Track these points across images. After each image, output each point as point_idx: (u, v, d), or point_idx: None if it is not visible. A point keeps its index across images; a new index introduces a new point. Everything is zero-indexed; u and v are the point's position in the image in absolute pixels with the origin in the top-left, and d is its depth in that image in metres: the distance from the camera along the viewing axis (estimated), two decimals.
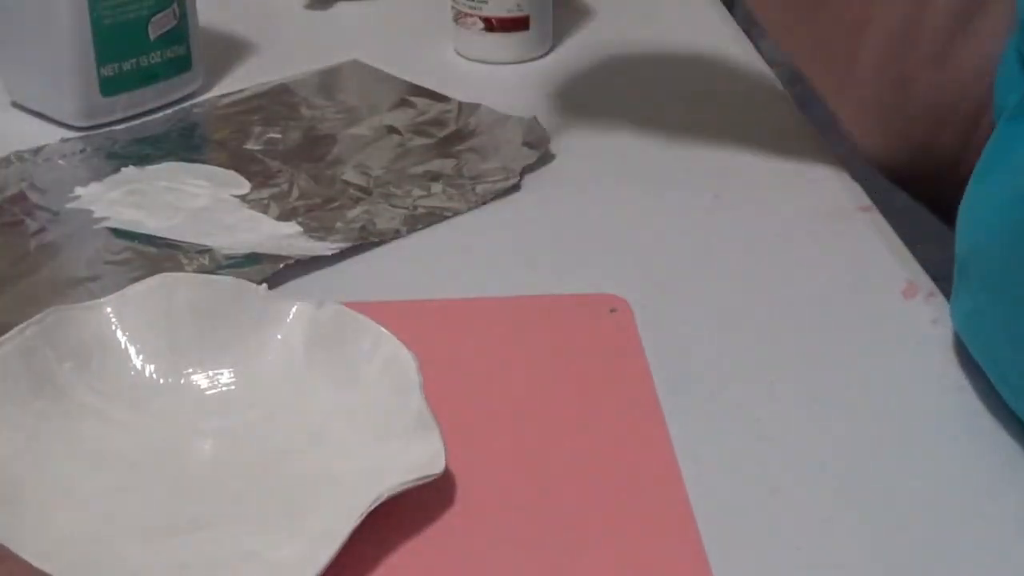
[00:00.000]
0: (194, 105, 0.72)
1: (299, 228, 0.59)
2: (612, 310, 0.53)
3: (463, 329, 0.53)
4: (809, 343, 0.52)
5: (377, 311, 0.47)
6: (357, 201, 0.62)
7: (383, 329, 0.46)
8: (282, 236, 0.59)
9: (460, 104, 0.71)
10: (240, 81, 0.75)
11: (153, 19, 0.70)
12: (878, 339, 0.53)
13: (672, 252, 0.59)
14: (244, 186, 0.63)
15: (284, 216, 0.61)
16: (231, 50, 0.77)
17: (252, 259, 0.56)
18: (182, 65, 0.72)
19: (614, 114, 0.72)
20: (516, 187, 0.63)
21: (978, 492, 0.44)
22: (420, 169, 0.65)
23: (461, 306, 0.54)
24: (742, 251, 0.59)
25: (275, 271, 0.55)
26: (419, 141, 0.68)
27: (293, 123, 0.70)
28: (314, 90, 0.74)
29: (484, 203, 0.62)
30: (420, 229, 0.60)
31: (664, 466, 0.45)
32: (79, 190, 0.63)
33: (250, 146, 0.67)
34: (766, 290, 0.56)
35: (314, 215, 0.61)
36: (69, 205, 0.61)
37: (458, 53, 0.80)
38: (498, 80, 0.76)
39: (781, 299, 0.55)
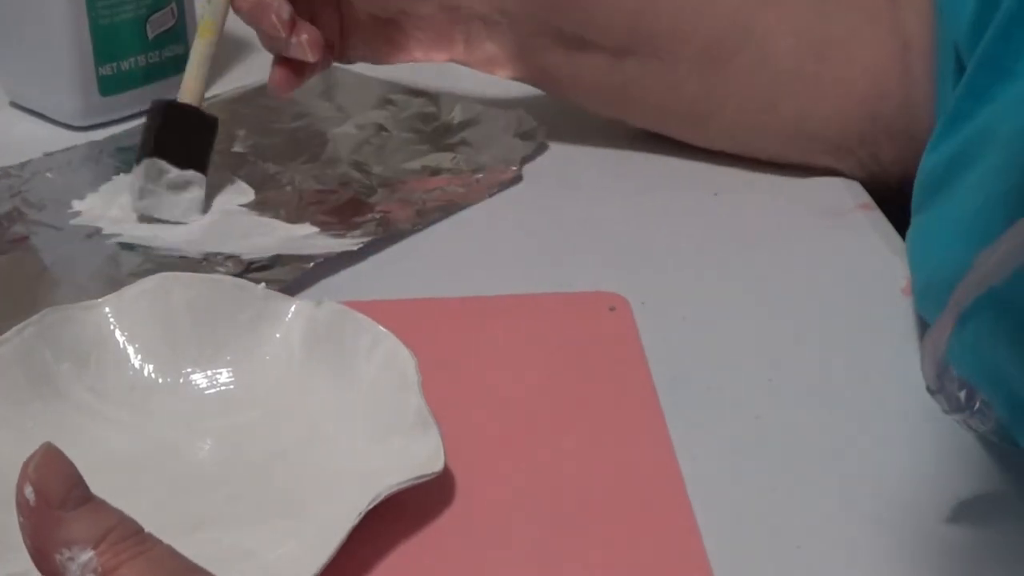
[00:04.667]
0: None
1: (315, 228, 0.59)
2: (611, 308, 0.53)
3: (462, 327, 0.52)
4: (808, 340, 0.52)
5: (375, 310, 0.47)
6: (366, 198, 0.62)
7: (381, 328, 0.46)
8: (299, 237, 0.58)
9: (439, 97, 0.70)
10: (238, 80, 0.75)
11: (151, 18, 0.69)
12: (877, 336, 0.52)
13: (671, 250, 0.59)
14: (248, 193, 0.63)
15: (295, 219, 0.60)
16: (229, 49, 0.77)
17: (276, 261, 0.55)
18: (181, 64, 0.71)
19: None
20: (518, 178, 0.63)
21: (978, 491, 0.44)
22: (418, 164, 0.65)
23: (459, 304, 0.54)
24: (741, 249, 0.59)
25: (304, 271, 0.54)
26: (408, 136, 0.68)
27: (277, 125, 0.69)
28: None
29: (492, 195, 0.62)
30: (436, 222, 0.60)
31: (663, 464, 0.44)
32: (77, 204, 0.61)
33: (237, 148, 0.67)
34: (765, 288, 0.56)
35: (328, 215, 0.60)
36: (72, 221, 0.59)
37: None
38: (483, 76, 0.74)
39: (781, 297, 0.55)
